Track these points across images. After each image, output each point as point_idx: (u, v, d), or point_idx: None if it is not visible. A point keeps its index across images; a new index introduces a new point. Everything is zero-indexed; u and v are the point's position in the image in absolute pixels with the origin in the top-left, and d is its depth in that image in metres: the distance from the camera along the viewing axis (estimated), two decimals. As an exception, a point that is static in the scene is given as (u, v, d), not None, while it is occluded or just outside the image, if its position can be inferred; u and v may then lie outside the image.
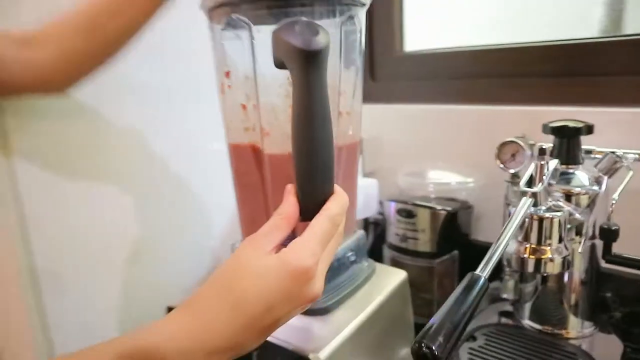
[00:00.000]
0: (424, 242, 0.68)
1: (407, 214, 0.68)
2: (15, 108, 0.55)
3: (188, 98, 0.69)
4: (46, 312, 0.58)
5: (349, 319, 0.42)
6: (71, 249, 0.59)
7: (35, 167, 0.56)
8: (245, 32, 0.39)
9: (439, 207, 0.67)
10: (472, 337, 0.58)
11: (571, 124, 0.56)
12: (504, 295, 0.67)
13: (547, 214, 0.48)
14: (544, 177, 0.48)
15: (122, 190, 0.65)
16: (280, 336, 0.40)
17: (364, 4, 0.43)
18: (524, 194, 0.47)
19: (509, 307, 0.66)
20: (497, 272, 0.69)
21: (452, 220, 0.67)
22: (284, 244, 0.34)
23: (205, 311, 0.32)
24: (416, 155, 0.86)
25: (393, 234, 0.71)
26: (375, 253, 0.83)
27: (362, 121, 0.50)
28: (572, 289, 0.58)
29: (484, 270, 0.40)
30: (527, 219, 0.49)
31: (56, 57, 0.49)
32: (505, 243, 0.42)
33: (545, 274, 0.57)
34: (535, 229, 0.49)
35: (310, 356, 0.38)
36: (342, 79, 0.43)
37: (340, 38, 0.41)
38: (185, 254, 0.75)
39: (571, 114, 0.59)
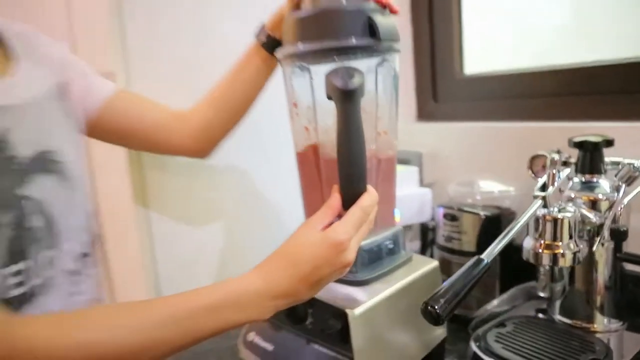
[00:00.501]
0: (467, 242, 0.78)
1: (452, 217, 0.78)
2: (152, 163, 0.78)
3: (271, 126, 0.88)
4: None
5: (382, 289, 0.55)
6: (183, 259, 0.80)
7: (163, 204, 0.77)
8: (307, 73, 0.55)
9: (478, 212, 0.76)
10: (502, 324, 0.66)
11: (591, 139, 0.63)
12: (540, 294, 0.75)
13: (559, 215, 0.57)
14: (555, 183, 0.57)
15: (222, 209, 0.86)
16: (329, 297, 0.54)
17: (395, 51, 0.56)
18: (535, 197, 0.57)
19: (544, 305, 0.73)
20: (534, 272, 0.76)
21: (492, 223, 0.76)
22: (330, 225, 0.48)
23: (272, 269, 0.47)
24: (468, 167, 0.96)
25: (441, 235, 0.81)
26: (428, 253, 0.94)
27: (398, 137, 0.62)
28: (597, 287, 0.64)
29: (487, 255, 0.50)
30: (540, 219, 0.58)
31: (198, 130, 0.70)
32: (510, 235, 0.52)
33: (558, 267, 0.64)
34: (548, 228, 0.58)
35: (347, 311, 0.51)
36: (379, 107, 0.56)
37: (375, 77, 0.54)
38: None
39: (601, 130, 0.67)
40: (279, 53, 0.57)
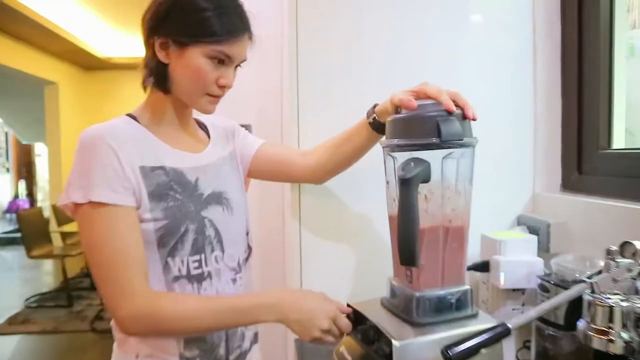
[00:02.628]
0: (555, 314, 0.82)
1: (543, 288, 0.84)
2: (304, 189, 1.07)
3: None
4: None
5: (432, 332, 0.69)
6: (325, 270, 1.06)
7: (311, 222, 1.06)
8: (392, 160, 0.74)
9: (567, 289, 0.80)
10: None
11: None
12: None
13: (610, 302, 0.62)
14: (609, 272, 0.62)
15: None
16: (390, 329, 0.71)
17: (466, 146, 0.71)
18: (579, 281, 0.63)
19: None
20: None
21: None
22: None
23: (287, 294, 0.76)
24: (595, 244, 0.95)
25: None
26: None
27: (470, 212, 0.75)
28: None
29: (514, 324, 0.61)
30: (592, 304, 0.63)
31: (315, 164, 0.97)
32: (539, 313, 0.61)
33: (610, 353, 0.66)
34: (599, 313, 0.63)
35: (393, 342, 0.68)
36: (445, 189, 0.72)
37: (441, 166, 0.70)
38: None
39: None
40: (381, 141, 0.79)
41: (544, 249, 1.04)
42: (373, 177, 0.95)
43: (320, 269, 1.12)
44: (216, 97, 0.85)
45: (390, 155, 0.76)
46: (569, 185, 1.16)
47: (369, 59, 1.12)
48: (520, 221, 1.18)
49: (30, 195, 8.88)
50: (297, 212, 1.12)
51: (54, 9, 4.22)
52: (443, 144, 0.68)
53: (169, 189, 0.81)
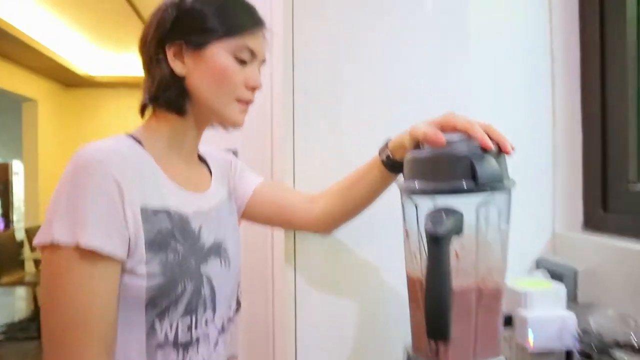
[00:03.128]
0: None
1: (584, 354, 0.71)
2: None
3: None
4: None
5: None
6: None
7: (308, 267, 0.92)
8: (414, 207, 0.62)
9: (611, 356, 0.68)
10: None
11: None
12: None
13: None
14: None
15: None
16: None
17: (501, 190, 0.59)
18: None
19: None
20: None
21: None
22: None
23: None
24: (633, 294, 0.84)
25: (576, 370, 0.74)
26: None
27: (507, 268, 0.63)
28: None
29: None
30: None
31: (322, 211, 0.84)
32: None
33: None
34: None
35: None
36: (481, 244, 0.59)
37: (477, 216, 0.58)
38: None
39: None
40: (398, 182, 0.66)
41: (570, 299, 0.92)
42: (386, 218, 0.82)
43: (319, 327, 0.98)
44: (246, 104, 0.73)
45: (411, 200, 0.63)
46: (592, 224, 1.05)
47: (373, 71, 1.00)
48: (539, 264, 1.06)
49: (6, 215, 8.53)
50: (291, 257, 0.98)
51: (34, 24, 4.07)
52: (479, 188, 0.56)
53: (171, 237, 0.67)
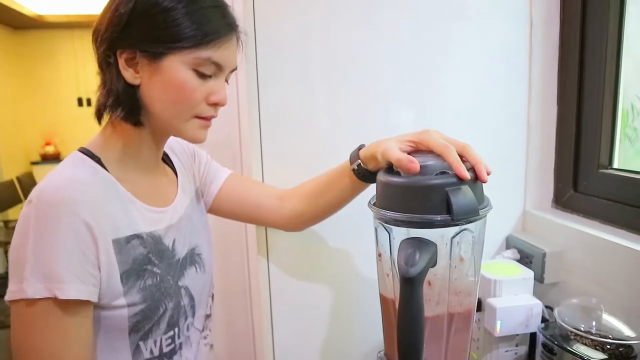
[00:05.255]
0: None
1: (550, 350, 0.75)
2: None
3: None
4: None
5: None
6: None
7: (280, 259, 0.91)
8: (387, 233, 0.60)
9: (582, 356, 0.71)
10: None
11: None
12: None
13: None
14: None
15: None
16: None
17: (477, 220, 0.57)
18: None
19: None
20: None
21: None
22: None
23: None
24: (589, 273, 0.87)
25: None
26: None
27: (477, 289, 0.63)
28: None
29: None
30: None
31: (291, 212, 0.81)
32: None
33: None
34: None
35: None
36: (453, 270, 0.59)
37: (450, 245, 0.57)
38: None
39: None
40: (370, 205, 0.63)
41: (537, 279, 0.95)
42: (358, 210, 0.80)
43: (294, 315, 1.01)
44: (208, 120, 0.66)
45: (384, 226, 0.61)
46: (561, 202, 1.07)
47: (344, 67, 0.95)
48: (510, 243, 1.08)
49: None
50: (264, 249, 0.97)
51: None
52: (454, 222, 0.55)
53: (147, 262, 0.64)
